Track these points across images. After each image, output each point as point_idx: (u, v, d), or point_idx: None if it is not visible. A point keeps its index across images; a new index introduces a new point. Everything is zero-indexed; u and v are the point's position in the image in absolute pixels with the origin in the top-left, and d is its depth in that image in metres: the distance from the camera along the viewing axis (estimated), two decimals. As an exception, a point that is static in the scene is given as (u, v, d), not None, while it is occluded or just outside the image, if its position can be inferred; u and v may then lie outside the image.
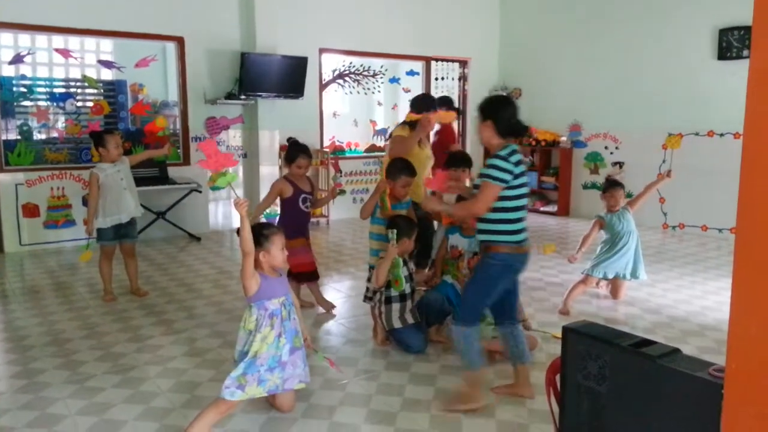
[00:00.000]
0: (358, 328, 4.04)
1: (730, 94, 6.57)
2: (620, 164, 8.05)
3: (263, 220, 6.96)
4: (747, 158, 1.22)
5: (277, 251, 2.73)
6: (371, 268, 3.90)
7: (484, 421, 2.79)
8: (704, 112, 7.10)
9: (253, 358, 2.64)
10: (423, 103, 4.55)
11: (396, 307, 3.58)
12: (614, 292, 4.66)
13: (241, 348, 2.70)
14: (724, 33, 6.83)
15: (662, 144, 7.48)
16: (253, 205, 7.78)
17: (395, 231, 3.50)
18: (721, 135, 6.95)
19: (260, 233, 2.70)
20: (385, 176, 3.99)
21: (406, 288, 3.60)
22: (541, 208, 8.85)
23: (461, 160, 4.18)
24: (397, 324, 3.56)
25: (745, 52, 6.65)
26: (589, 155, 8.47)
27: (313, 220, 7.98)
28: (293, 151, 4.31)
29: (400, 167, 3.94)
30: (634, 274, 4.51)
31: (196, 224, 7.22)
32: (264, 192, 7.41)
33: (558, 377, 2.20)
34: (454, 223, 3.91)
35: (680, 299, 4.69)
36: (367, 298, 3.92)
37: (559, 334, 3.65)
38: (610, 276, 4.50)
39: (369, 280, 3.90)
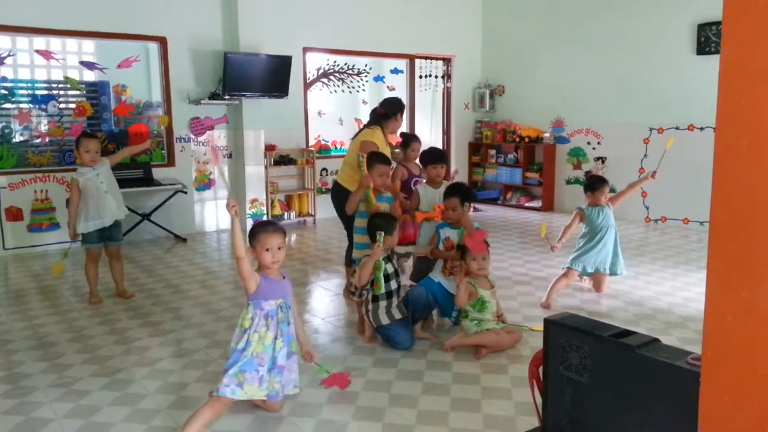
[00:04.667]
0: (344, 326, 4.05)
1: (710, 88, 6.54)
2: (602, 159, 8.14)
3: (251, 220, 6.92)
4: (719, 150, 1.24)
5: (261, 250, 2.71)
6: (354, 261, 3.94)
7: (470, 415, 2.82)
8: (684, 107, 7.19)
9: (251, 357, 2.64)
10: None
11: (383, 304, 3.61)
12: (597, 286, 4.71)
13: (235, 345, 2.69)
14: (703, 28, 6.93)
15: (644, 138, 7.59)
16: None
17: (383, 233, 3.52)
18: (701, 129, 7.05)
19: (250, 232, 2.75)
20: (367, 171, 4.03)
21: (392, 284, 3.63)
22: (526, 204, 8.92)
23: (439, 158, 4.30)
24: (384, 320, 3.58)
25: (724, 47, 6.74)
26: (572, 151, 8.55)
27: (299, 219, 8.00)
28: None
29: (373, 158, 4.03)
30: (613, 270, 4.57)
31: (182, 225, 7.20)
32: (250, 192, 7.44)
33: (541, 369, 2.23)
34: (444, 219, 3.96)
35: (663, 291, 4.75)
36: (351, 293, 3.96)
37: (537, 327, 3.73)
38: (590, 270, 4.55)
39: (354, 275, 3.93)
